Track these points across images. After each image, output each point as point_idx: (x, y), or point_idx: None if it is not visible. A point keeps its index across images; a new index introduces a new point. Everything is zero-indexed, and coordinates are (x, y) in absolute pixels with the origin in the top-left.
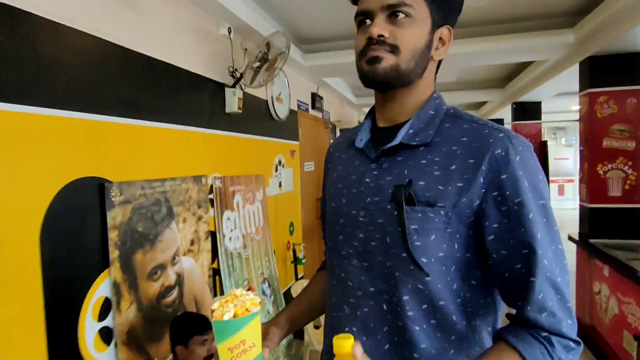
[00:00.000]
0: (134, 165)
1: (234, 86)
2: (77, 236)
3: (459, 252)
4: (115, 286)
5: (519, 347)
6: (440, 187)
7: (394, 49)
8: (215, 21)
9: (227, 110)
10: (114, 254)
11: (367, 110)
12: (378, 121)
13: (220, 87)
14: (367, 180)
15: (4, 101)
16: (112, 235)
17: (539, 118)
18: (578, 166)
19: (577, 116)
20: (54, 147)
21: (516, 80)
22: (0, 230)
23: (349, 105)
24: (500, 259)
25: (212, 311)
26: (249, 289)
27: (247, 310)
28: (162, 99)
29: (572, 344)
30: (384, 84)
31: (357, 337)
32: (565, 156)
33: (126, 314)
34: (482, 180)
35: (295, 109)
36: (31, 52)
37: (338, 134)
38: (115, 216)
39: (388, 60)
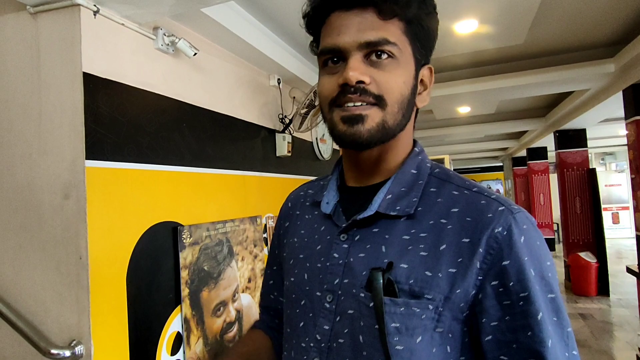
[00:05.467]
0: (200, 209)
1: (283, 131)
2: (154, 275)
3: (452, 357)
4: (186, 322)
5: None
6: (428, 273)
7: (379, 101)
8: (267, 74)
9: (277, 154)
10: (184, 291)
11: None
12: (347, 179)
13: (271, 133)
14: (335, 255)
15: (103, 159)
16: (184, 274)
17: (585, 145)
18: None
19: (626, 140)
20: (138, 196)
21: (558, 109)
22: (98, 271)
23: None
24: None
25: None
26: None
27: None
28: (223, 147)
29: None
30: (365, 146)
31: None
32: (617, 182)
33: (194, 349)
34: (478, 265)
35: (337, 147)
36: (122, 116)
37: None
38: (186, 256)
39: (373, 118)
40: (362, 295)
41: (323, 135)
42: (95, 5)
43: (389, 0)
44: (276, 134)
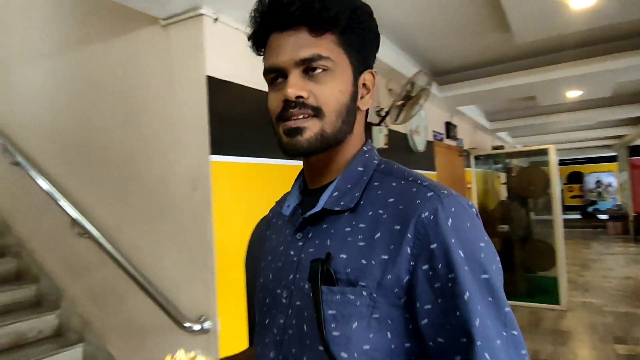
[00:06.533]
0: None
1: (380, 124)
2: None
3: (394, 343)
4: None
5: None
6: (363, 261)
7: (317, 112)
8: None
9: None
10: None
11: (502, 134)
12: (308, 182)
13: (368, 125)
14: (291, 253)
15: (225, 154)
16: None
17: None
18: None
19: None
20: (254, 188)
21: None
22: (222, 256)
23: (482, 130)
24: (437, 349)
25: None
26: None
27: None
28: None
29: None
30: (307, 155)
31: None
32: None
33: None
34: (409, 250)
35: (431, 139)
36: (239, 114)
37: (472, 161)
38: None
39: (312, 129)
40: (307, 287)
41: (417, 127)
42: (214, 13)
43: (318, 18)
44: (373, 127)
